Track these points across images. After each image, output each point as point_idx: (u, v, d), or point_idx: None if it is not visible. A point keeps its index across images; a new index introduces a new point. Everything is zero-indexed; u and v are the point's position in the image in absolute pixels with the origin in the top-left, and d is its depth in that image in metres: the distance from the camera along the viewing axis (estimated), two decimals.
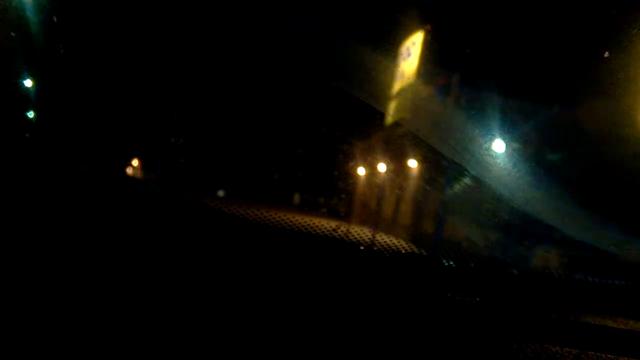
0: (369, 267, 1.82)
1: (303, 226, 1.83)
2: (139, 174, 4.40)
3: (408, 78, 4.32)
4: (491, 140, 4.22)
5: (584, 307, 1.76)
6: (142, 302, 1.52)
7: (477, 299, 1.75)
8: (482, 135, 3.92)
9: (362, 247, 1.87)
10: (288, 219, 1.82)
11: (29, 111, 3.24)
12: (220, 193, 4.24)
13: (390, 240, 1.82)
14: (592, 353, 1.59)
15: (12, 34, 2.76)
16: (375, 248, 1.83)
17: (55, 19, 2.77)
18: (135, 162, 4.41)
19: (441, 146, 4.25)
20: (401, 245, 1.86)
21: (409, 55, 4.31)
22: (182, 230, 1.80)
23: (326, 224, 1.94)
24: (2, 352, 1.29)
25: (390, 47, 3.77)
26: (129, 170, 4.27)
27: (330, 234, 1.92)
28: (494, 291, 1.80)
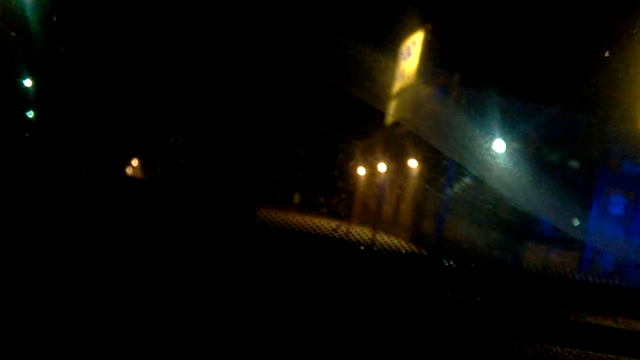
0: (369, 267, 1.82)
1: (303, 226, 1.83)
2: (138, 174, 4.40)
3: (408, 78, 4.32)
4: (491, 140, 4.22)
5: (584, 307, 1.76)
6: (141, 300, 1.52)
7: (477, 299, 1.74)
8: (482, 135, 3.92)
9: (362, 247, 1.87)
10: (288, 218, 1.82)
11: (28, 111, 3.25)
12: (220, 193, 4.23)
13: (390, 240, 1.82)
14: (592, 353, 1.59)
15: (12, 34, 2.77)
16: (375, 248, 1.83)
17: (55, 19, 2.77)
18: (134, 162, 4.41)
19: (441, 146, 4.25)
20: (401, 245, 1.86)
21: (409, 55, 4.31)
22: (182, 229, 1.80)
23: (326, 224, 1.94)
24: (2, 352, 1.29)
25: (390, 47, 3.77)
26: (129, 170, 4.27)
27: (330, 234, 1.92)
28: (494, 291, 1.80)
